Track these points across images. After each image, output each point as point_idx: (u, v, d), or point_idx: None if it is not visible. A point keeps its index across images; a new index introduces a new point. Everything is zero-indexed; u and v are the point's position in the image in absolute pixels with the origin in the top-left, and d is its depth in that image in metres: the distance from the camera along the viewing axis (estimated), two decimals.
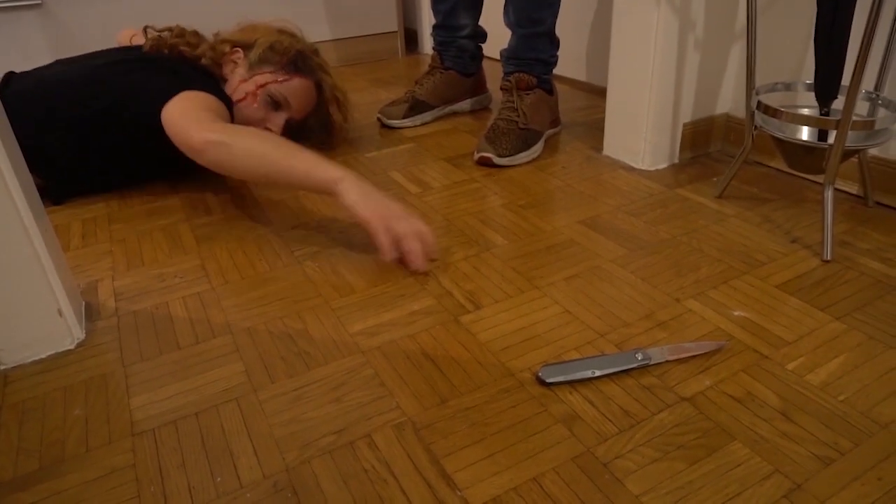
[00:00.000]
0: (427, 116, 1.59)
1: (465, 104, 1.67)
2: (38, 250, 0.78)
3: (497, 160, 1.29)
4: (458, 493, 0.60)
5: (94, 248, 1.09)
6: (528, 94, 1.36)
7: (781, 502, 0.58)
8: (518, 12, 1.35)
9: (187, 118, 1.07)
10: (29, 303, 0.80)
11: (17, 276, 0.78)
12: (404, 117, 1.56)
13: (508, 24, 1.38)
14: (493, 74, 1.76)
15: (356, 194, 0.96)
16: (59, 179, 1.23)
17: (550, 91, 1.44)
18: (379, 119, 1.58)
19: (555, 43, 1.40)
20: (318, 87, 1.35)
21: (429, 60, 1.65)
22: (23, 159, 0.82)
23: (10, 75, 1.27)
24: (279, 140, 1.03)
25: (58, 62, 1.33)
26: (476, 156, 1.32)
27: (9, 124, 0.80)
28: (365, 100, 1.82)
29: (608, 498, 0.59)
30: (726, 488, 0.60)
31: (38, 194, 0.84)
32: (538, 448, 0.65)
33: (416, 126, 1.57)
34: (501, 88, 1.42)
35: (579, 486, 0.61)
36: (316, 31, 2.18)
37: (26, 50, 1.79)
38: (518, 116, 1.34)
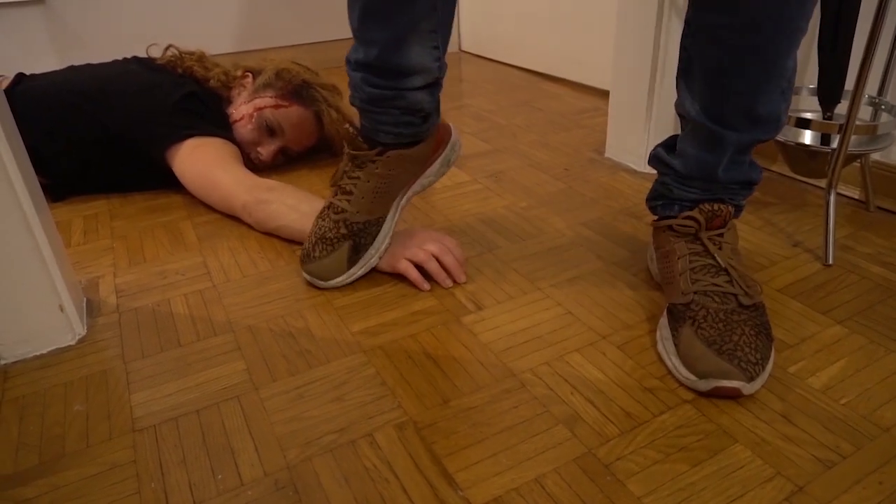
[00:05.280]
0: (379, 247, 0.92)
1: (427, 177, 0.97)
2: (39, 246, 0.78)
3: (749, 389, 0.69)
4: (460, 493, 0.60)
5: (95, 244, 1.09)
6: (721, 237, 0.80)
7: None
8: (726, 95, 0.74)
9: (217, 180, 1.11)
10: (30, 298, 0.79)
11: (19, 272, 0.78)
12: (351, 267, 0.91)
13: (698, 117, 0.77)
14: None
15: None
16: (60, 181, 1.23)
17: (740, 212, 0.87)
18: (309, 282, 0.94)
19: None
20: (319, 119, 1.32)
21: None
22: (27, 156, 0.82)
23: (21, 76, 1.28)
24: (314, 202, 1.02)
25: (71, 68, 1.33)
26: (707, 385, 0.69)
27: (14, 122, 0.80)
28: None
29: (610, 499, 0.59)
30: (728, 490, 0.60)
31: (41, 190, 0.84)
32: (540, 449, 0.65)
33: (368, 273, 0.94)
34: (670, 228, 0.82)
35: (581, 487, 0.60)
36: (321, 30, 2.18)
37: (29, 47, 1.79)
38: (734, 285, 0.75)
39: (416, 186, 0.96)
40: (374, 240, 0.91)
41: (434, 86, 0.86)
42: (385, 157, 0.88)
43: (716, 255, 0.77)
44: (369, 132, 0.88)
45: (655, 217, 0.87)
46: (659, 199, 0.86)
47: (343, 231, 0.89)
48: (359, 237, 0.90)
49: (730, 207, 0.79)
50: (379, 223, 0.91)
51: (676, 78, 0.80)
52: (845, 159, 0.95)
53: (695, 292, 0.76)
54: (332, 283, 0.92)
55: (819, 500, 0.59)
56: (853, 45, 0.93)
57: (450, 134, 0.98)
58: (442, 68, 0.85)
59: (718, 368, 0.68)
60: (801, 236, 1.03)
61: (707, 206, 0.79)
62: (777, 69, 0.71)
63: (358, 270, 0.92)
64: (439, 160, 0.97)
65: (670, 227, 0.82)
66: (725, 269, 0.76)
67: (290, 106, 1.29)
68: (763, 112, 0.74)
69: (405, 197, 0.95)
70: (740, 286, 0.75)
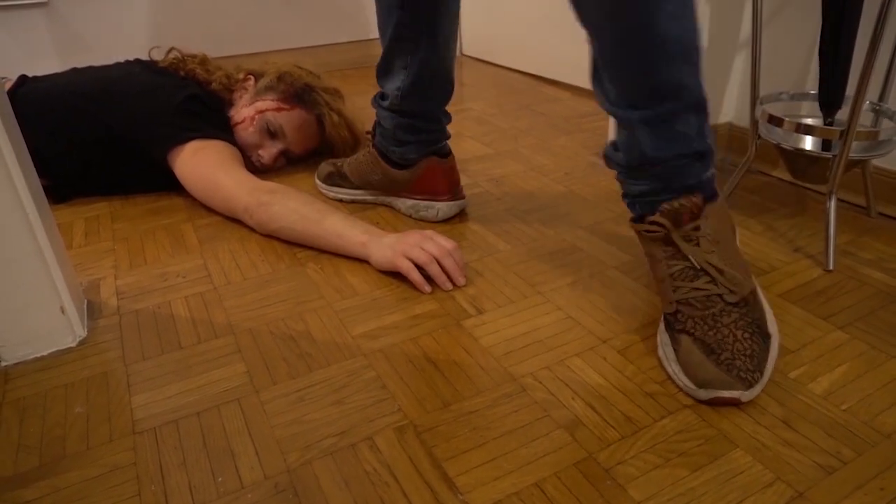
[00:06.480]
0: (355, 194, 1.21)
1: (403, 204, 1.16)
2: (41, 247, 0.78)
3: (747, 396, 0.69)
4: (460, 497, 0.60)
5: (96, 246, 1.09)
6: (697, 230, 0.74)
7: None
8: (624, 82, 0.72)
9: (219, 182, 1.11)
10: (32, 300, 0.79)
11: (21, 273, 0.78)
12: (324, 181, 1.25)
13: (613, 109, 0.76)
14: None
15: (378, 253, 0.95)
16: (62, 181, 1.23)
17: (716, 193, 0.78)
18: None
19: (704, 111, 0.73)
20: (320, 122, 1.33)
21: None
22: (30, 158, 0.82)
23: (24, 78, 1.28)
24: (315, 204, 1.03)
25: (73, 70, 1.34)
26: (707, 395, 0.69)
27: (17, 123, 0.80)
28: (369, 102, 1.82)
29: None
30: (728, 495, 0.60)
31: (43, 192, 0.84)
32: (540, 453, 0.65)
33: (338, 198, 1.23)
34: (646, 232, 0.78)
35: (581, 492, 0.60)
36: (324, 34, 2.19)
37: (32, 49, 1.80)
38: (717, 284, 0.73)
39: (386, 197, 1.18)
40: (340, 187, 1.23)
41: (404, 114, 1.05)
42: (370, 147, 1.15)
43: (690, 255, 0.74)
44: (374, 130, 1.15)
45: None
46: (625, 198, 0.83)
47: (338, 163, 1.24)
48: (338, 173, 1.23)
49: (694, 198, 0.74)
50: (351, 185, 1.21)
51: (591, 74, 0.78)
52: (846, 165, 0.95)
53: (678, 301, 0.75)
54: (317, 180, 1.28)
55: None
56: (854, 50, 0.93)
57: (441, 195, 1.12)
58: (387, 96, 1.06)
59: (717, 378, 0.69)
60: (802, 242, 1.03)
61: (667, 206, 0.74)
62: (657, 41, 0.68)
63: (322, 187, 1.27)
64: (411, 203, 1.15)
65: (645, 232, 0.78)
66: (703, 269, 0.74)
67: (291, 109, 1.29)
68: (658, 84, 0.70)
69: (379, 197, 1.19)
70: (723, 284, 0.73)
